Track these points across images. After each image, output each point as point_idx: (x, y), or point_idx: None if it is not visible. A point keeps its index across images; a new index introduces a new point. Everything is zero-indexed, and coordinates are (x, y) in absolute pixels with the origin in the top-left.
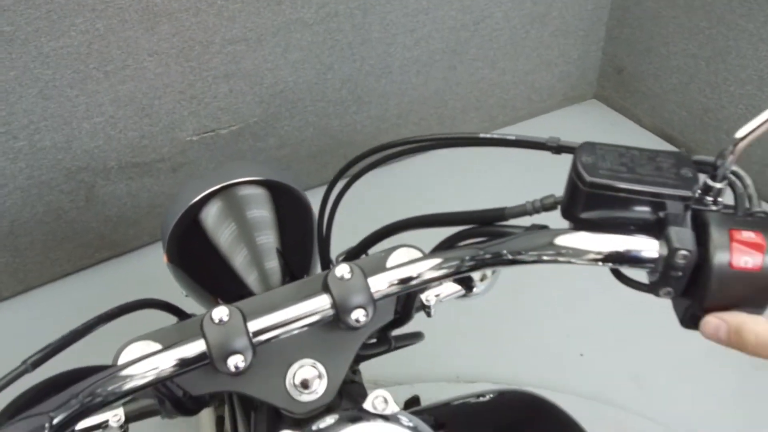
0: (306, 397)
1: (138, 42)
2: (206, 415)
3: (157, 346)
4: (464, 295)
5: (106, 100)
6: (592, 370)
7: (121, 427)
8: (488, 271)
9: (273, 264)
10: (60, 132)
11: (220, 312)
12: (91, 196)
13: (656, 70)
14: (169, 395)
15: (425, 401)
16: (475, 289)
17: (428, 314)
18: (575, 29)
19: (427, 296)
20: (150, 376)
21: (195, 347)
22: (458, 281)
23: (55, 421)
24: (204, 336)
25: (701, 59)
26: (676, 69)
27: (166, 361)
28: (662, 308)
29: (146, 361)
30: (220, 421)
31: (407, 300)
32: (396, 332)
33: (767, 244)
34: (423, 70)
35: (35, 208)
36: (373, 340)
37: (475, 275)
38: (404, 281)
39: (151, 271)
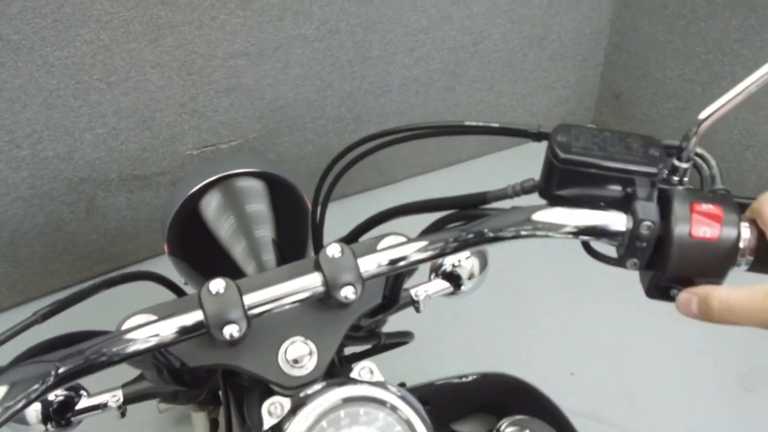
0: (296, 371)
1: (141, 54)
2: (200, 421)
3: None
4: (453, 293)
5: (108, 111)
6: (583, 390)
7: (119, 407)
8: (476, 270)
9: (269, 251)
10: (62, 142)
11: (217, 284)
12: (91, 207)
13: (653, 96)
14: (167, 365)
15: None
16: (463, 287)
17: (417, 309)
18: (573, 53)
19: (417, 292)
20: (151, 342)
21: (193, 316)
22: (447, 278)
23: (60, 371)
24: (201, 306)
25: (697, 84)
26: (672, 94)
27: (166, 329)
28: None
29: (148, 328)
30: (214, 425)
31: (395, 284)
32: (387, 330)
33: (724, 216)
34: (422, 90)
35: (36, 218)
36: (363, 334)
37: (463, 273)
38: (392, 262)
39: (149, 285)
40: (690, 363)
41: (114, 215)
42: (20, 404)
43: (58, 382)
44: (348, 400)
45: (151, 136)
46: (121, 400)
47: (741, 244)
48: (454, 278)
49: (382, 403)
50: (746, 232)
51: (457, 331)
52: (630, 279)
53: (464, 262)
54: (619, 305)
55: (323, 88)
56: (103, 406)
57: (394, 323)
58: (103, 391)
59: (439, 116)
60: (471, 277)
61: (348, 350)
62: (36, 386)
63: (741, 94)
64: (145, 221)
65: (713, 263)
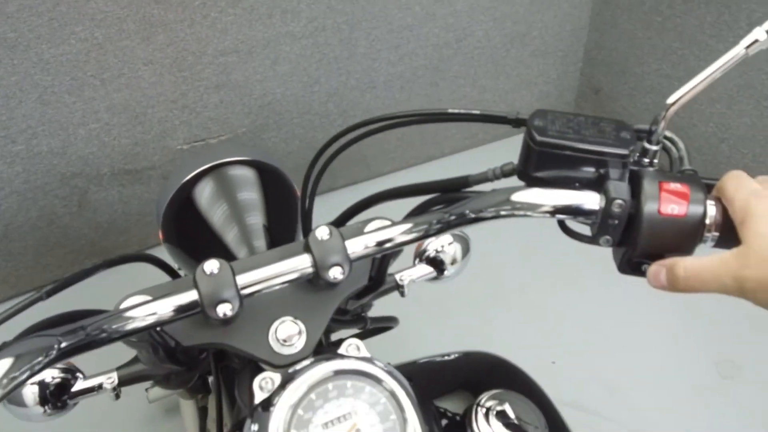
0: (286, 350)
1: (134, 51)
2: (189, 409)
3: None
4: (436, 278)
5: (101, 107)
6: (564, 379)
7: (114, 389)
8: (459, 255)
9: (260, 236)
10: (56, 137)
11: (212, 265)
12: (83, 201)
13: (632, 90)
14: (163, 344)
15: None
16: (446, 272)
17: (402, 294)
18: (554, 50)
19: (401, 276)
20: (148, 320)
21: (188, 296)
22: (431, 263)
23: (62, 345)
24: (196, 285)
25: (674, 79)
26: (650, 89)
27: (162, 308)
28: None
29: (146, 307)
30: (202, 413)
31: (381, 266)
32: (372, 315)
33: (691, 194)
34: (406, 86)
35: (29, 212)
36: (350, 318)
37: (447, 258)
38: (378, 244)
39: (139, 279)
40: (669, 352)
41: (106, 209)
42: (24, 375)
43: (61, 356)
44: (336, 374)
45: (143, 132)
46: (116, 381)
47: (707, 221)
48: (437, 263)
49: (368, 376)
50: (712, 209)
51: (437, 322)
52: (610, 269)
53: (447, 247)
54: (600, 295)
55: (310, 84)
56: (98, 388)
57: (379, 308)
58: (98, 374)
59: None
60: (454, 262)
61: (334, 336)
62: (39, 359)
63: (706, 80)
64: (136, 215)
65: (681, 239)
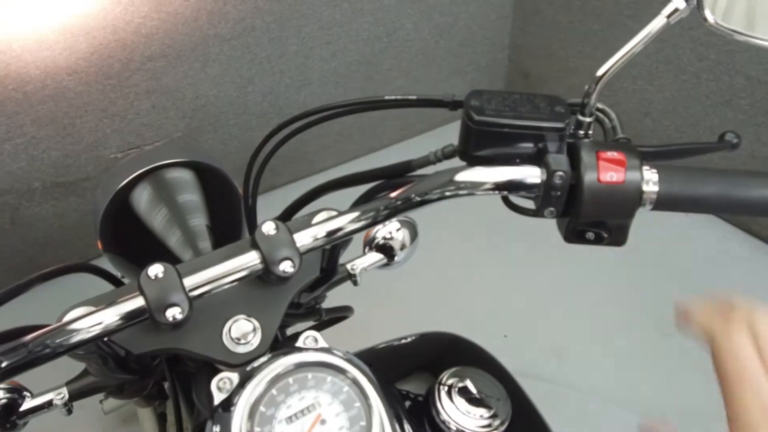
0: (242, 348)
1: (56, 62)
2: (147, 417)
3: None
4: (387, 264)
5: (26, 120)
6: (517, 351)
7: (65, 405)
8: (407, 240)
9: (204, 238)
10: None
11: (156, 269)
12: (16, 218)
13: (558, 73)
14: (113, 355)
15: None
16: (396, 258)
17: (354, 283)
18: (482, 39)
19: (353, 266)
20: (95, 331)
21: (135, 303)
22: (380, 250)
23: (3, 365)
24: (141, 291)
25: (596, 59)
26: (575, 70)
27: (109, 317)
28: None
29: (91, 317)
30: (161, 419)
31: (331, 256)
32: (326, 306)
33: (628, 161)
34: (341, 81)
35: None
36: (304, 311)
37: (396, 245)
38: (327, 234)
39: (83, 291)
40: (612, 316)
41: (41, 224)
42: None
43: (3, 376)
44: (296, 367)
45: (73, 143)
46: (66, 397)
47: (644, 186)
48: (387, 250)
49: (329, 366)
50: (647, 174)
51: (387, 308)
52: (550, 243)
53: (395, 233)
54: (542, 268)
55: (244, 85)
56: (48, 405)
57: (331, 299)
58: (46, 391)
59: None
60: (403, 247)
61: (290, 331)
62: None
63: (632, 51)
64: (74, 228)
65: (621, 204)
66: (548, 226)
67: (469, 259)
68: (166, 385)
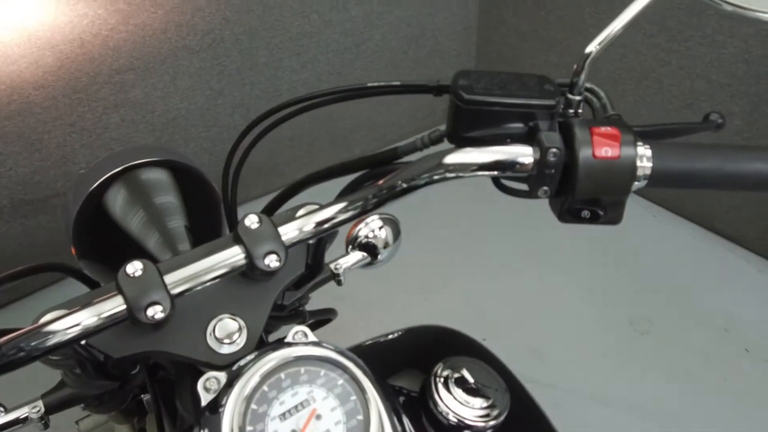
0: (227, 348)
1: (22, 76)
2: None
3: None
4: (371, 263)
5: None
6: (497, 354)
7: (41, 418)
8: (390, 238)
9: (183, 239)
10: None
11: (134, 266)
12: None
13: None
14: (90, 359)
15: None
16: (380, 256)
17: (338, 282)
18: (449, 49)
19: (336, 265)
20: (72, 333)
21: (113, 302)
22: (363, 249)
23: None
24: (120, 289)
25: (562, 67)
26: None
27: (86, 318)
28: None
29: (67, 319)
30: None
31: (317, 251)
32: (310, 308)
33: (622, 136)
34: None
35: None
36: (288, 314)
37: (379, 243)
38: (313, 226)
39: (63, 292)
40: (589, 315)
41: (10, 243)
42: None
43: None
44: (286, 362)
45: (41, 159)
46: (42, 410)
47: (638, 161)
48: (370, 248)
49: (322, 360)
50: (642, 149)
51: (363, 310)
52: (525, 245)
53: (378, 232)
54: (519, 269)
55: (214, 97)
56: (23, 420)
57: (315, 302)
58: (21, 404)
59: (330, 116)
60: (386, 245)
61: (273, 336)
62: None
63: (617, 28)
64: (44, 245)
65: (617, 180)
66: (521, 232)
67: (446, 263)
68: (145, 399)
